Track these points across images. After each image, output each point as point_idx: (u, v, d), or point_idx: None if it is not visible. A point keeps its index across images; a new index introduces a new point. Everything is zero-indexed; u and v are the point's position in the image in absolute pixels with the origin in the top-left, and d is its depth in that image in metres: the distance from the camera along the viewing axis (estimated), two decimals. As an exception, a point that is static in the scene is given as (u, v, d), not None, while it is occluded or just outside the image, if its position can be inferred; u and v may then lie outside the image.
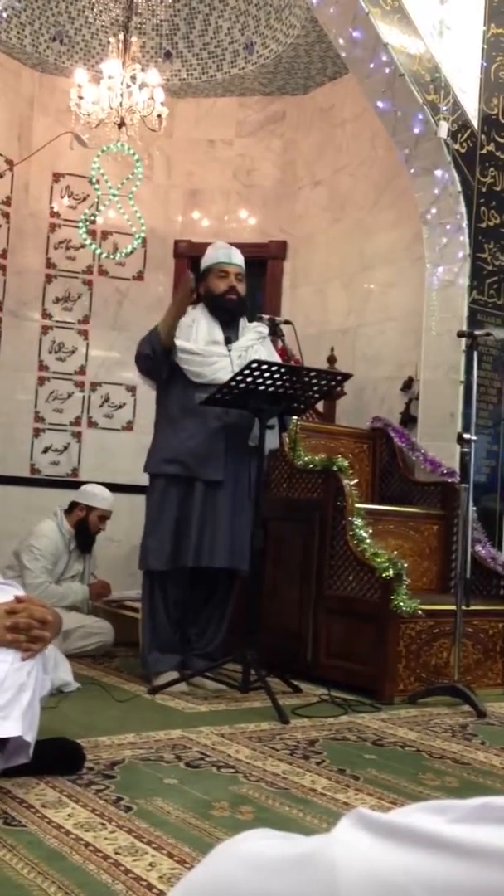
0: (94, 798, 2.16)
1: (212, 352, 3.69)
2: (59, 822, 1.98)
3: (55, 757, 2.30)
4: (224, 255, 3.82)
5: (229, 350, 3.71)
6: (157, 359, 3.68)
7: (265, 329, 3.88)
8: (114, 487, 4.67)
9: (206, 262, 3.86)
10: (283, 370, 3.43)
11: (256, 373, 3.35)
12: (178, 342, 3.68)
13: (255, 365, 3.33)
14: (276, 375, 3.39)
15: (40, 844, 1.84)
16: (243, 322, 3.87)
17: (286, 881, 0.66)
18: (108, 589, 4.60)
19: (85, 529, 4.43)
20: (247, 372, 3.34)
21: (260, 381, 3.38)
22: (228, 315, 3.78)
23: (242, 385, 3.39)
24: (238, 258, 3.83)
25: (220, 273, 3.78)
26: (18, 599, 2.16)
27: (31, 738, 2.06)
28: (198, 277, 3.85)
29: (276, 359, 3.84)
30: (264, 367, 3.35)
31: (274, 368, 3.39)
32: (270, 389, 3.43)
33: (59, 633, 2.29)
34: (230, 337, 3.76)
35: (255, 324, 3.89)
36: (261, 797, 2.26)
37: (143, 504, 3.86)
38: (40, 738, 2.16)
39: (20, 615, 2.10)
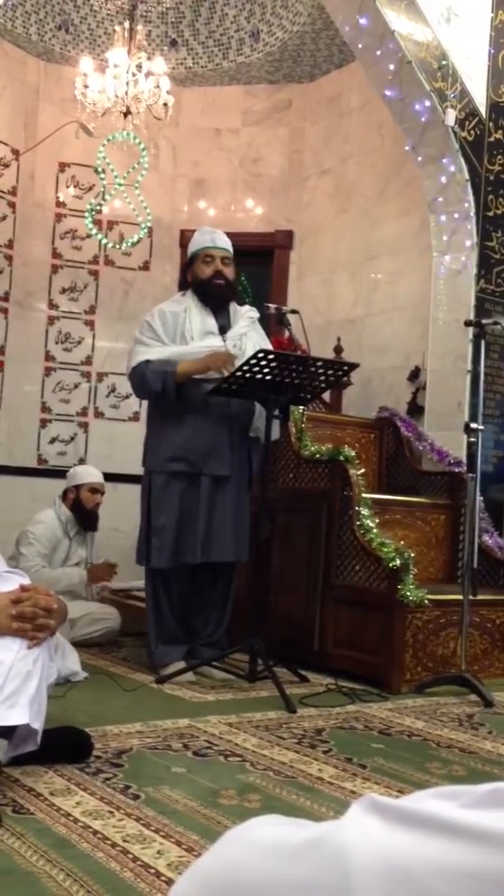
0: (102, 786, 2.16)
1: (206, 346, 3.65)
2: (67, 809, 1.98)
3: (63, 745, 2.31)
4: (209, 239, 3.77)
5: (224, 340, 3.70)
6: (168, 399, 3.60)
7: (255, 313, 3.85)
8: (120, 478, 4.69)
9: (191, 248, 3.81)
10: (289, 360, 3.42)
11: (263, 362, 3.34)
12: (173, 348, 3.65)
13: (261, 354, 3.32)
14: (283, 365, 3.38)
15: (49, 832, 1.85)
16: (234, 307, 3.83)
17: (297, 867, 0.66)
18: (108, 572, 4.48)
19: (81, 508, 4.43)
20: (253, 362, 3.33)
21: (267, 370, 3.37)
22: (217, 301, 3.74)
23: (249, 375, 3.38)
24: (223, 241, 3.78)
25: (206, 258, 3.73)
26: (23, 588, 2.16)
27: (38, 725, 2.06)
28: (186, 264, 3.83)
29: (268, 343, 3.81)
30: (271, 356, 3.34)
31: (280, 358, 3.38)
32: (277, 379, 3.42)
33: (64, 621, 2.29)
34: (224, 325, 3.74)
35: (245, 308, 3.85)
36: (268, 786, 2.26)
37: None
38: (48, 726, 2.17)
39: (25, 604, 2.10)
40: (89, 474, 4.51)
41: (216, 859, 0.74)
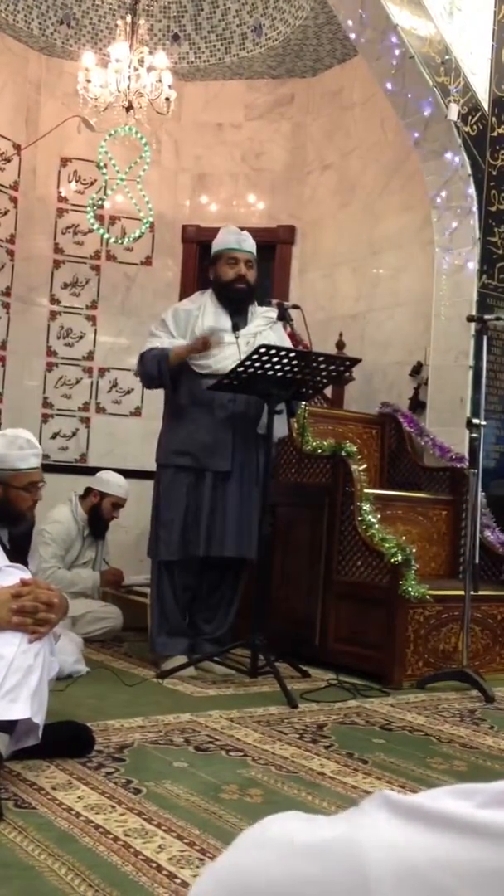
0: (104, 781, 2.17)
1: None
2: (69, 804, 1.99)
3: (65, 740, 2.31)
4: (235, 240, 3.78)
5: (237, 337, 3.70)
6: (165, 382, 3.73)
7: (275, 313, 3.86)
8: (122, 473, 4.68)
9: (216, 246, 3.82)
10: (291, 355, 3.42)
11: (265, 357, 3.34)
12: (181, 342, 3.68)
13: (263, 350, 3.32)
14: (285, 360, 3.38)
15: (50, 826, 1.85)
16: (253, 307, 3.85)
17: (315, 866, 0.66)
18: (120, 577, 4.60)
19: (98, 516, 4.44)
20: (255, 357, 3.33)
21: (268, 366, 3.37)
22: (236, 304, 3.76)
23: (251, 370, 3.38)
24: (249, 244, 3.80)
25: (230, 260, 3.75)
26: (24, 582, 2.16)
27: (39, 720, 2.07)
28: (208, 261, 3.84)
29: (287, 343, 3.81)
30: (273, 351, 3.34)
31: (283, 353, 3.38)
32: (279, 374, 3.42)
33: (65, 615, 2.29)
34: (238, 323, 3.75)
35: (264, 308, 3.87)
36: (269, 781, 2.26)
37: (152, 490, 3.87)
38: (50, 721, 2.17)
39: (26, 598, 2.10)
40: (119, 488, 4.50)
41: (233, 859, 0.74)
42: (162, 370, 3.67)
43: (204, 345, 3.57)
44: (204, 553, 3.62)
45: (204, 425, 3.65)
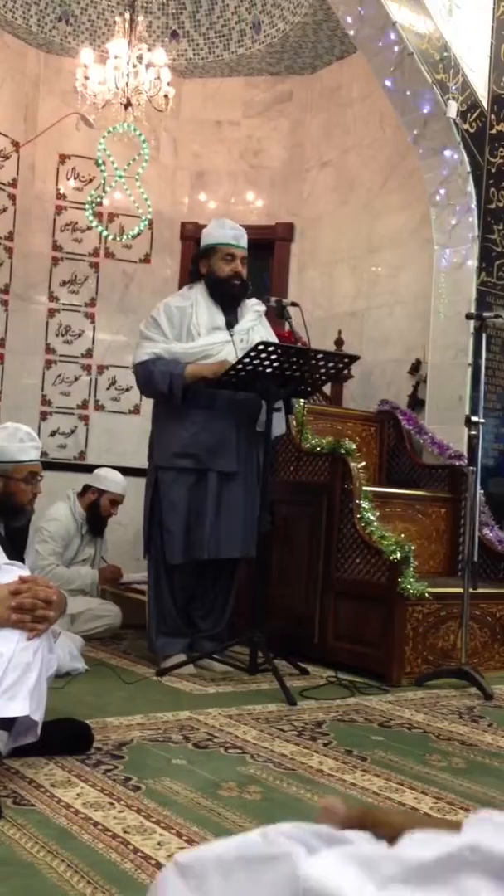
0: (103, 778, 2.17)
1: (214, 342, 3.64)
2: (67, 801, 1.99)
3: (64, 737, 2.31)
4: (232, 236, 3.74)
5: (231, 334, 3.69)
6: (175, 399, 3.58)
7: (262, 306, 3.84)
8: (120, 470, 4.68)
9: (210, 239, 3.76)
10: (290, 352, 3.41)
11: (263, 355, 3.33)
12: (180, 346, 3.63)
13: (261, 346, 3.31)
14: (284, 357, 3.37)
15: (49, 823, 1.85)
16: (242, 301, 3.83)
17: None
18: (119, 574, 4.60)
19: (96, 513, 4.44)
20: (253, 354, 3.32)
21: (267, 363, 3.36)
22: (231, 300, 3.74)
23: (249, 367, 3.37)
24: (244, 241, 3.78)
25: (227, 256, 3.72)
26: (23, 580, 2.16)
27: (38, 717, 2.07)
28: (199, 253, 3.80)
29: (273, 337, 3.81)
30: (271, 349, 3.33)
31: (281, 350, 3.37)
32: (277, 372, 3.41)
33: (63, 612, 2.29)
34: (231, 320, 3.73)
35: (252, 301, 3.83)
36: (268, 778, 2.26)
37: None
38: (49, 718, 2.17)
39: (24, 595, 2.10)
40: (117, 485, 4.50)
41: None
42: (174, 388, 3.55)
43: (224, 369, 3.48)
44: (209, 556, 3.59)
45: (206, 426, 3.61)
